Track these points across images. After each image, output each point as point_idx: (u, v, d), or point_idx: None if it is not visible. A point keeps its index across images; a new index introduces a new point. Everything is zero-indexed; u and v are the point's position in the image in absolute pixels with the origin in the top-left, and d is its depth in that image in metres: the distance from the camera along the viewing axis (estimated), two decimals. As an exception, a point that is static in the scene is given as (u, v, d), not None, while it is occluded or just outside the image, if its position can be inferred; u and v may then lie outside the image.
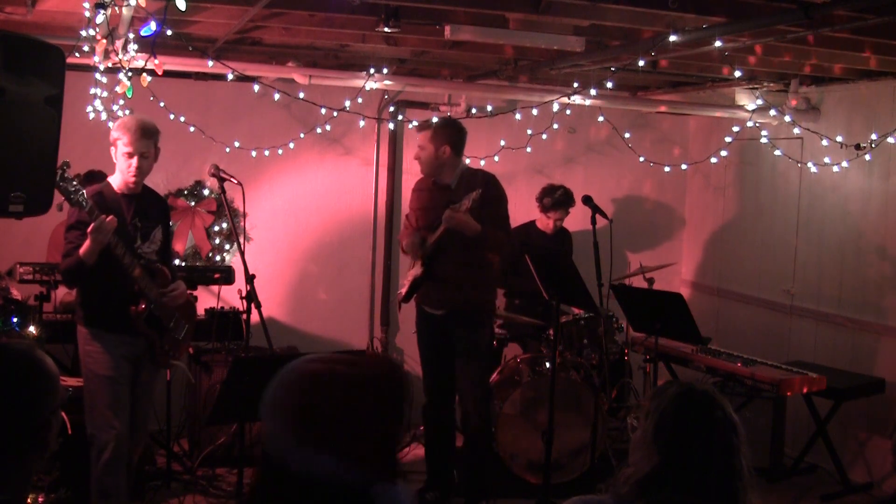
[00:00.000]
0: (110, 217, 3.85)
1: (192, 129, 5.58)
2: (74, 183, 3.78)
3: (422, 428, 6.08)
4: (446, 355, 4.85)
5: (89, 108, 5.02)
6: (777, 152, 6.05)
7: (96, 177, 5.03)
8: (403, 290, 4.96)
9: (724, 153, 6.23)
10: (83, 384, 4.12)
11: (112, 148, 4.08)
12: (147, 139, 4.06)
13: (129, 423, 4.09)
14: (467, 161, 5.12)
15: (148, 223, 4.19)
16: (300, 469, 1.51)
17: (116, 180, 4.14)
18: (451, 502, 4.98)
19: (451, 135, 4.79)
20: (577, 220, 6.54)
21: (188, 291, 4.42)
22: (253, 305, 4.42)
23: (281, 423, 1.55)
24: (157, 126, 4.17)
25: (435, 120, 5.02)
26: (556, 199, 6.15)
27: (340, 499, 1.52)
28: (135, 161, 4.05)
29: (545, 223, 6.26)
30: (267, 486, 1.57)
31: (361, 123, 6.01)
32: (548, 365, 5.30)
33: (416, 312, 5.01)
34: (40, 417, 1.82)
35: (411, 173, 6.76)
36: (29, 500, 3.76)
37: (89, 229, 3.81)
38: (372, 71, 5.43)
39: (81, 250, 3.86)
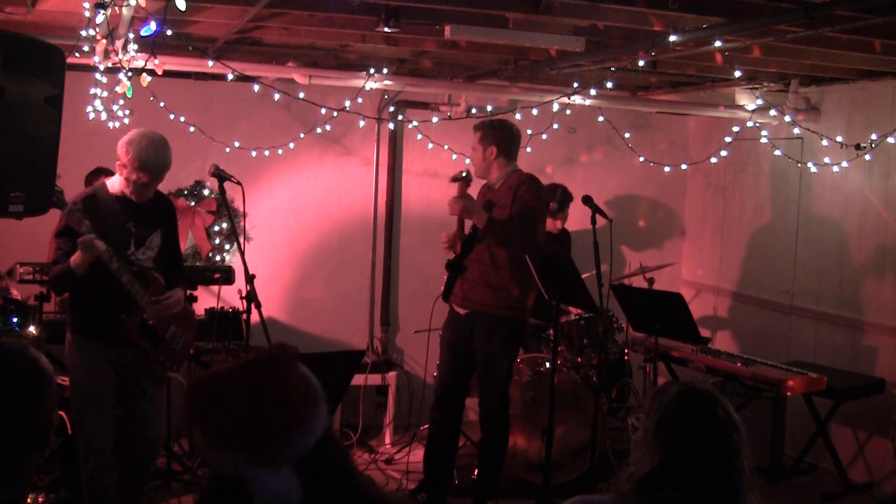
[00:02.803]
0: (101, 244, 3.76)
1: (192, 129, 5.59)
2: (57, 191, 3.69)
3: (423, 427, 6.11)
4: (464, 357, 4.83)
5: (89, 108, 5.02)
6: (777, 152, 6.05)
7: (104, 174, 5.03)
8: (442, 287, 4.97)
9: (724, 153, 6.23)
10: (70, 392, 4.03)
11: (117, 160, 3.95)
12: (163, 174, 3.96)
13: (132, 433, 4.02)
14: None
15: (144, 228, 4.05)
16: (218, 470, 1.62)
17: (114, 184, 4.03)
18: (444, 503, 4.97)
19: (498, 136, 4.78)
20: (577, 220, 6.53)
21: (189, 292, 4.34)
22: (253, 305, 4.41)
23: (198, 428, 1.64)
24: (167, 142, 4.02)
25: (488, 120, 5.03)
26: (557, 201, 6.17)
27: (226, 489, 1.58)
28: (147, 192, 3.99)
29: (549, 225, 6.25)
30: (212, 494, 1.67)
31: (361, 123, 6.01)
32: (548, 365, 5.30)
33: (448, 311, 5.01)
34: (39, 416, 1.82)
35: (411, 173, 6.78)
36: (29, 500, 3.76)
37: (80, 240, 3.72)
38: (372, 71, 5.43)
39: (72, 260, 3.77)
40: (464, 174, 4.72)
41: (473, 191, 4.86)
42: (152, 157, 3.89)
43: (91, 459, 3.89)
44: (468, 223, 4.82)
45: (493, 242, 4.65)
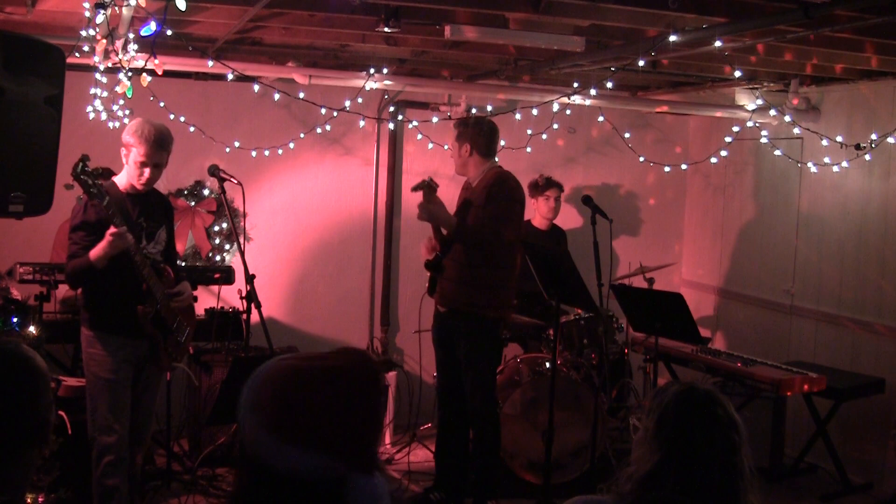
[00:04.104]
0: (123, 228, 3.83)
1: (192, 129, 5.58)
2: (96, 178, 3.75)
3: (423, 427, 6.11)
4: (453, 354, 4.85)
5: (89, 108, 5.02)
6: (777, 152, 6.05)
7: (102, 174, 5.04)
8: (427, 285, 4.99)
9: (724, 153, 6.23)
10: (86, 386, 4.11)
11: (122, 149, 4.05)
12: (162, 150, 4.05)
13: (130, 426, 4.07)
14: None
15: (152, 223, 4.16)
16: (283, 467, 1.52)
17: (122, 180, 4.11)
18: (460, 503, 4.97)
19: (470, 134, 4.81)
20: (577, 219, 6.53)
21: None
22: (253, 305, 4.42)
23: (260, 422, 1.55)
24: (170, 131, 4.13)
25: (469, 117, 5.05)
26: (546, 178, 6.25)
27: (318, 493, 1.53)
28: (147, 172, 4.04)
29: (543, 212, 6.26)
30: (250, 489, 1.58)
31: (361, 123, 6.01)
32: (548, 365, 5.30)
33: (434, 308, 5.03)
34: (35, 415, 1.82)
35: (411, 173, 6.78)
36: (29, 500, 3.76)
37: (110, 232, 3.78)
38: (372, 71, 5.43)
39: (93, 254, 3.83)
40: (426, 181, 4.73)
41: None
42: (155, 133, 4.00)
43: (105, 456, 3.94)
44: None
45: (468, 244, 4.66)
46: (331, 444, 1.53)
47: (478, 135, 4.81)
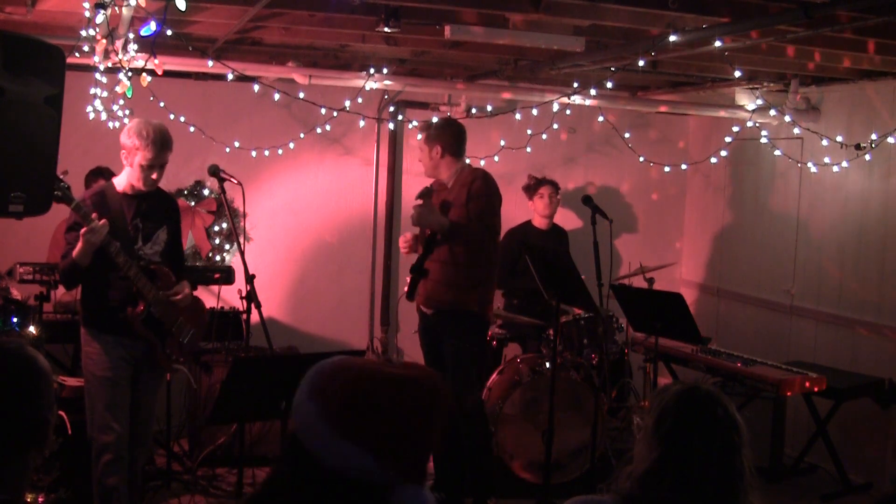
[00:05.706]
0: (103, 220, 3.84)
1: (192, 129, 5.58)
2: (60, 181, 3.74)
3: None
4: (441, 355, 4.85)
5: (89, 108, 5.02)
6: (777, 152, 6.05)
7: (103, 173, 5.05)
8: (406, 287, 4.99)
9: (724, 153, 6.23)
10: (84, 386, 4.11)
11: (123, 151, 4.02)
12: (167, 150, 4.04)
13: (131, 426, 4.07)
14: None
15: (150, 224, 4.14)
16: (331, 461, 1.51)
17: (121, 181, 4.11)
18: (461, 502, 4.97)
19: (441, 135, 4.80)
20: (577, 219, 6.52)
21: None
22: (253, 305, 4.42)
23: (320, 411, 1.53)
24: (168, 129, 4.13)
25: (432, 120, 5.05)
26: (535, 177, 6.27)
27: (363, 496, 1.52)
28: (155, 174, 4.05)
29: (540, 209, 6.25)
30: (289, 475, 1.56)
31: (361, 123, 6.01)
32: (548, 365, 5.30)
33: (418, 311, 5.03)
34: (37, 414, 1.82)
35: (411, 173, 6.78)
36: (29, 500, 3.76)
37: (82, 231, 3.80)
38: (372, 71, 5.43)
39: (74, 252, 3.85)
40: (427, 189, 4.74)
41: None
42: (159, 135, 4.00)
43: (104, 455, 3.94)
44: None
45: (457, 243, 4.68)
46: (385, 448, 1.52)
47: (449, 136, 4.81)
